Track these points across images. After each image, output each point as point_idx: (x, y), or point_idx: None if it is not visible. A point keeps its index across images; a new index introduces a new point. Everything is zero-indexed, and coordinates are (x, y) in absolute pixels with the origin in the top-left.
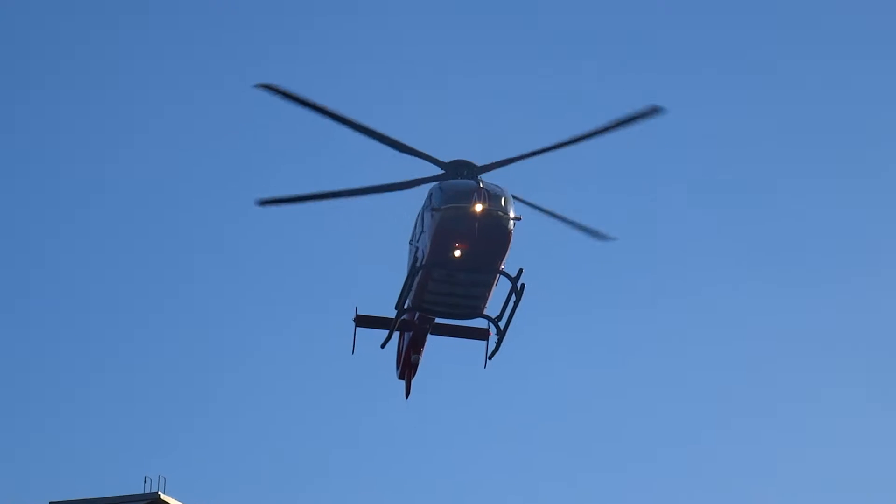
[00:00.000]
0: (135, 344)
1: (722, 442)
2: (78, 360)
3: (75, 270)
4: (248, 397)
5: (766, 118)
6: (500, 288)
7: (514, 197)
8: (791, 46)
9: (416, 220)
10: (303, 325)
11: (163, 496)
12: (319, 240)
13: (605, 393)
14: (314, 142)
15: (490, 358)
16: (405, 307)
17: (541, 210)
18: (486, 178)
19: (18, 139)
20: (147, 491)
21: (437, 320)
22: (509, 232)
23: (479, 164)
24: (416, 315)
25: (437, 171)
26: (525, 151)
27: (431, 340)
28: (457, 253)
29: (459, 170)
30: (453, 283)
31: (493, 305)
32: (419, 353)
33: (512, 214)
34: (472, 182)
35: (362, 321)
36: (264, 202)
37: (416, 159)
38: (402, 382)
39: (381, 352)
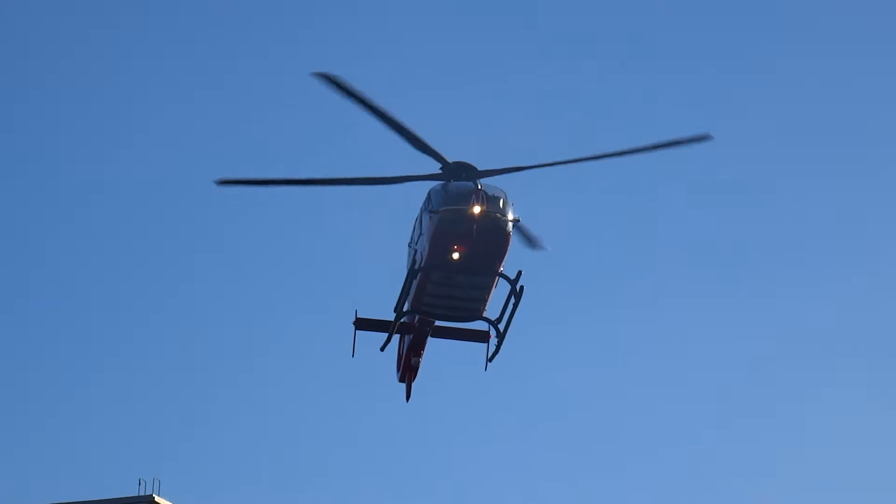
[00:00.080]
0: (132, 344)
1: (722, 442)
2: (74, 360)
3: (75, 270)
4: (245, 399)
5: (766, 118)
6: (500, 290)
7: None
8: (791, 46)
9: (415, 222)
10: (303, 325)
11: (157, 498)
12: (319, 240)
13: (605, 393)
14: (314, 142)
15: (490, 360)
16: (404, 310)
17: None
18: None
19: (18, 139)
20: (141, 493)
21: (437, 323)
22: (508, 234)
23: (479, 166)
24: (416, 318)
25: (434, 170)
26: (525, 152)
27: (431, 343)
28: (455, 255)
29: (458, 171)
30: (452, 285)
31: (492, 308)
32: (419, 355)
33: (510, 216)
34: (471, 184)
35: (362, 324)
36: (223, 182)
37: (416, 159)
38: (403, 385)
39: (381, 354)
